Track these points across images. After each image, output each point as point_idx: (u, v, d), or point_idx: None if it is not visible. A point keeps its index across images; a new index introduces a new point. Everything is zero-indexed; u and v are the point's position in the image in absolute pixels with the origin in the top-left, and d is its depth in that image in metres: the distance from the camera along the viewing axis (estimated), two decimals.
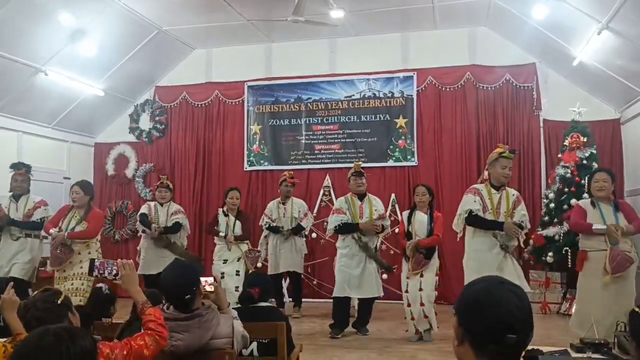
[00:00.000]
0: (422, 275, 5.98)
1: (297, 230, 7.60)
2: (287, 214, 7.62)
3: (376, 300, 8.10)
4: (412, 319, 6.04)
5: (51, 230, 6.06)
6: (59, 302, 2.53)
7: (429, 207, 6.15)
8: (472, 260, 5.30)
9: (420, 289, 5.96)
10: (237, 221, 6.93)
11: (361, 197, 6.44)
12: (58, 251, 5.95)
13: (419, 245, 5.96)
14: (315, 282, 8.65)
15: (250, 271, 6.82)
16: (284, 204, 7.69)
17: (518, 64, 8.50)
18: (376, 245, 6.51)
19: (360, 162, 6.87)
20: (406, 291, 6.06)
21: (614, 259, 5.01)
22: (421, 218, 6.11)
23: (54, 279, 6.11)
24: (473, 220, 5.30)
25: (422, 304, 5.94)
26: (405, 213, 6.29)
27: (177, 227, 7.15)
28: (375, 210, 6.39)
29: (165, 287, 2.96)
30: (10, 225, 6.31)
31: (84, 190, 6.17)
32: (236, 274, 6.68)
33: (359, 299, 6.52)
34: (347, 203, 6.41)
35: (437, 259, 6.16)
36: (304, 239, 7.84)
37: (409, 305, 6.03)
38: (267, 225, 7.66)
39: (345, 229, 6.30)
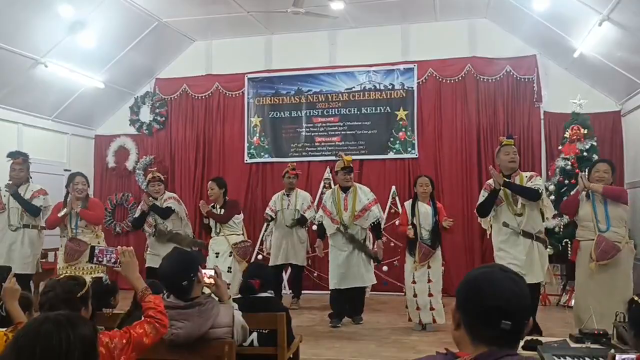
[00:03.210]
0: (429, 267, 6.02)
1: (301, 222, 7.61)
2: (291, 205, 7.63)
3: (376, 292, 8.25)
4: (418, 309, 6.05)
5: (60, 213, 6.07)
6: (78, 295, 2.52)
7: (431, 199, 6.17)
8: (501, 252, 5.34)
9: (429, 280, 6.01)
10: (222, 210, 6.76)
11: (346, 189, 6.55)
12: (73, 244, 5.96)
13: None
14: (315, 275, 8.67)
15: (244, 263, 6.79)
16: (288, 195, 7.71)
17: (518, 56, 8.47)
18: (365, 237, 6.53)
19: (350, 156, 6.90)
20: (413, 282, 6.06)
21: (598, 245, 5.09)
22: (425, 209, 6.13)
23: (55, 270, 6.12)
24: (480, 209, 5.44)
25: (430, 295, 5.98)
26: (408, 204, 6.28)
27: (167, 212, 6.69)
28: (360, 202, 6.48)
29: (163, 274, 2.98)
30: (15, 198, 6.27)
31: (88, 182, 6.30)
32: (228, 271, 6.49)
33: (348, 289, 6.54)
34: (332, 195, 6.61)
35: (440, 249, 6.22)
36: (306, 228, 7.80)
37: (415, 295, 6.04)
38: (268, 217, 7.78)
39: (320, 230, 6.71)
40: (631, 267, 5.26)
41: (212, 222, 6.78)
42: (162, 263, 3.02)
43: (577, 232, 5.44)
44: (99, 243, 6.02)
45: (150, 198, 6.79)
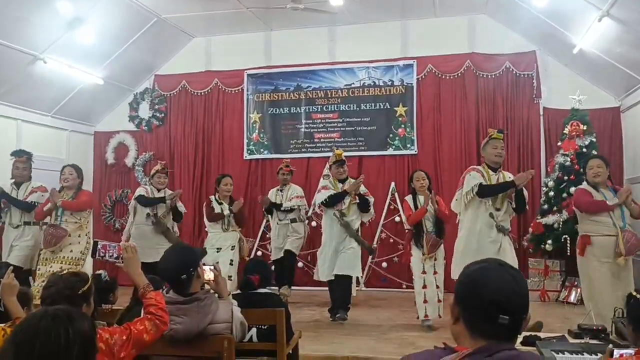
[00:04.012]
0: (435, 259, 6.03)
1: (276, 206, 7.55)
2: (284, 200, 7.63)
3: (375, 288, 8.27)
4: (425, 302, 5.98)
5: (45, 208, 6.11)
6: (80, 292, 2.52)
7: (429, 192, 6.17)
8: (472, 242, 5.30)
9: (435, 272, 6.01)
10: (230, 208, 6.85)
11: (342, 181, 6.61)
12: (51, 229, 6.01)
13: (435, 200, 5.99)
14: (315, 270, 8.65)
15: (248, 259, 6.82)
16: (281, 190, 7.73)
17: (518, 51, 8.46)
18: (358, 228, 6.54)
19: (341, 150, 6.88)
20: (423, 272, 6.00)
21: (628, 240, 5.03)
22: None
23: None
24: (484, 190, 5.24)
25: (438, 287, 6.00)
26: (409, 198, 6.27)
27: (181, 215, 7.05)
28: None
29: (163, 267, 2.99)
30: (2, 197, 6.31)
31: (77, 172, 6.30)
32: (230, 263, 6.57)
33: (335, 276, 6.43)
34: (331, 184, 6.67)
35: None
36: (301, 222, 7.72)
37: (424, 287, 5.97)
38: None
39: (334, 198, 6.41)
40: (632, 263, 5.28)
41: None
42: (164, 256, 3.03)
43: (583, 227, 5.30)
44: (79, 236, 6.14)
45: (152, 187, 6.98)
